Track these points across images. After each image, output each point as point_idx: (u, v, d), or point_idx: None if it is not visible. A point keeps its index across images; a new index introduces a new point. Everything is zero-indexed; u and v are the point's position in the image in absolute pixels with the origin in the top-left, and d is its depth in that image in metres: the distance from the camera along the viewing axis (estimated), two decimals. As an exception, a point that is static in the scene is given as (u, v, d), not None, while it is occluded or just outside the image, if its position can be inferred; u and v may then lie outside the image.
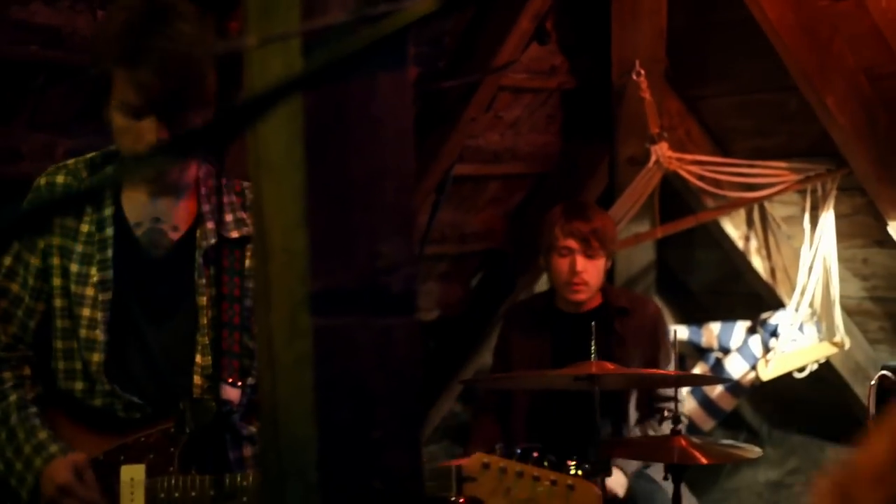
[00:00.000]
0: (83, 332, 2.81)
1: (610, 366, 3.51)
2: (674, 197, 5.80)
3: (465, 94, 5.22)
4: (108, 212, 2.86)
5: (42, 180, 2.88)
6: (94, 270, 2.82)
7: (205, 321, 2.82)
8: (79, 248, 2.84)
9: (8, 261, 2.89)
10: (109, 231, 2.85)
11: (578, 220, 4.38)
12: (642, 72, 5.30)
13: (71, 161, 2.93)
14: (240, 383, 2.83)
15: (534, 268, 5.96)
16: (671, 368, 4.37)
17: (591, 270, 4.37)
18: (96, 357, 2.80)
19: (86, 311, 2.82)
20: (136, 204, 2.89)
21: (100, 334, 2.80)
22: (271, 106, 1.35)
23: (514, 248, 6.22)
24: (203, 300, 2.83)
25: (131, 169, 2.42)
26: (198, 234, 2.87)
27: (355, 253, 1.85)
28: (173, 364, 2.84)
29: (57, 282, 2.85)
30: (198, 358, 2.82)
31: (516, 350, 4.53)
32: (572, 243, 4.35)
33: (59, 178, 2.87)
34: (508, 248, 6.25)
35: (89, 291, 2.82)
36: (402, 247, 1.89)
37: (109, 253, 2.84)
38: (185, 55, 2.60)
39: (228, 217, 2.90)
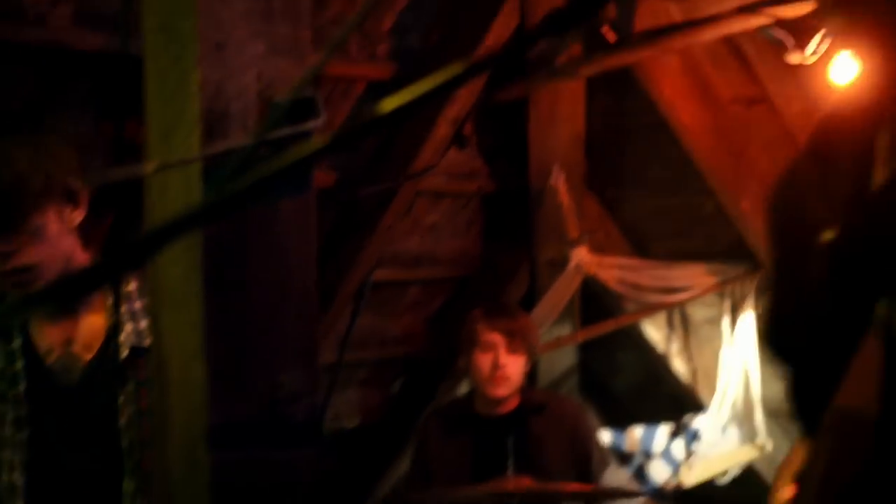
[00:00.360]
0: (4, 477, 2.70)
1: (526, 481, 3.46)
2: (595, 299, 5.80)
3: (383, 199, 5.20)
4: (16, 343, 2.77)
5: None
6: (8, 408, 2.72)
7: (127, 442, 2.72)
8: None
9: None
10: (20, 364, 2.75)
11: (501, 316, 4.39)
12: (560, 176, 5.32)
13: None
14: None
15: (455, 373, 5.91)
16: (611, 475, 4.34)
17: (512, 366, 4.35)
18: (20, 503, 2.69)
19: (6, 454, 2.71)
20: (44, 330, 2.80)
21: (18, 477, 2.69)
22: (170, 240, 1.30)
23: (435, 354, 6.17)
24: (123, 419, 2.73)
25: (29, 307, 2.36)
26: (110, 351, 2.79)
27: (255, 383, 1.80)
28: (100, 493, 2.73)
29: None
30: (125, 483, 2.72)
31: (435, 457, 4.47)
32: (495, 338, 4.34)
33: None
34: (430, 354, 6.21)
35: (7, 431, 2.72)
36: (303, 375, 1.84)
37: (22, 387, 2.73)
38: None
39: (142, 324, 2.81)
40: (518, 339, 4.36)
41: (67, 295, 1.35)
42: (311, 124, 1.84)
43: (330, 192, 4.99)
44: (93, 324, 2.80)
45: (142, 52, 1.90)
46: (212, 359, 1.60)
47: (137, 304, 2.80)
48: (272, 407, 1.67)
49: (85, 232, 2.69)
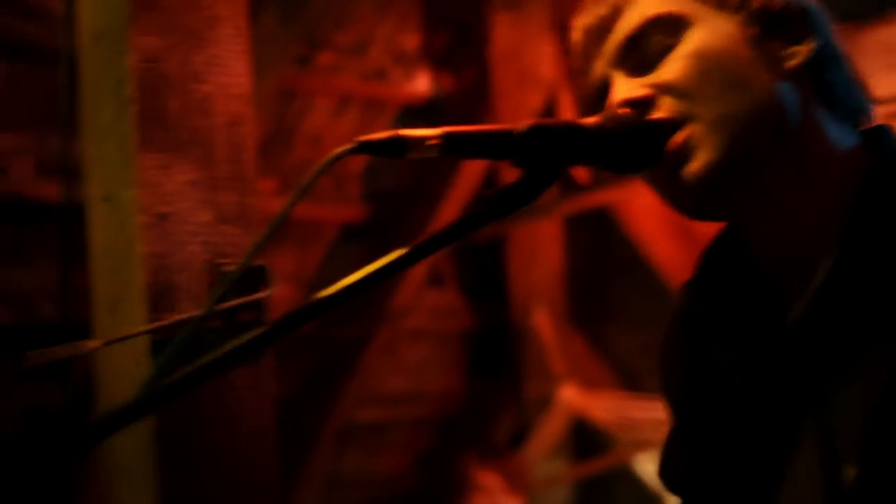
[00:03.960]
0: None
1: None
2: (588, 434, 5.70)
3: (362, 339, 5.15)
4: None
5: None
6: None
7: None
8: None
9: None
10: None
11: (495, 459, 4.38)
12: (542, 313, 5.28)
13: None
14: None
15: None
16: None
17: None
18: None
19: None
20: None
21: None
22: (124, 425, 1.23)
23: (424, 495, 6.04)
24: None
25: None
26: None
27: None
28: None
29: None
30: None
31: None
32: (490, 481, 4.32)
33: None
34: (418, 495, 6.08)
35: None
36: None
37: None
38: None
39: None
40: (512, 481, 4.32)
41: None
42: (262, 293, 1.79)
43: (306, 333, 4.94)
44: None
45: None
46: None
47: None
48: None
49: None
